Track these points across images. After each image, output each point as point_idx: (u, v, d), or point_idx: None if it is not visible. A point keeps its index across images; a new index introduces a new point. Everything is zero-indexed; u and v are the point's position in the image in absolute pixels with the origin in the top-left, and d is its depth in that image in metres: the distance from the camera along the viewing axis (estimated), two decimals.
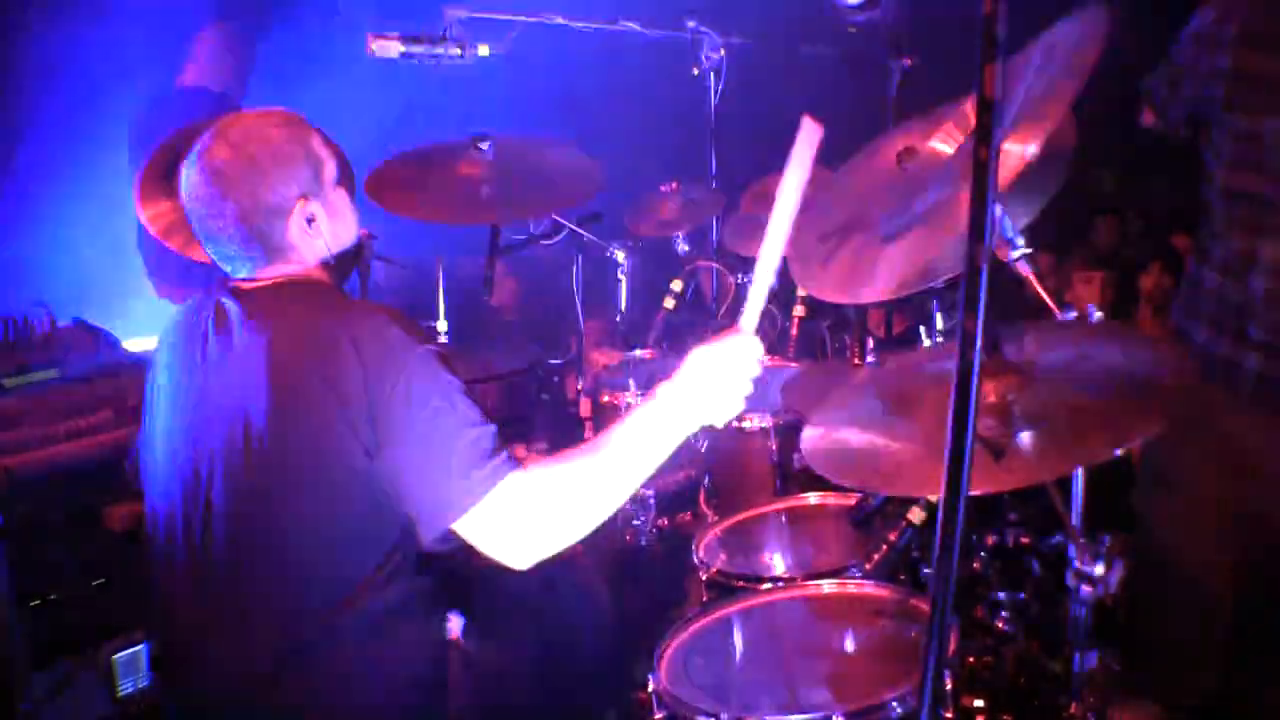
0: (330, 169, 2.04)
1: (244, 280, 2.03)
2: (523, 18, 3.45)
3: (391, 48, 3.25)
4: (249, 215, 1.95)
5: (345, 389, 1.82)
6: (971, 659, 2.31)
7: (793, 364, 3.51)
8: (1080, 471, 1.87)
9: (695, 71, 3.94)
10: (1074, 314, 2.01)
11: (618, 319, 4.03)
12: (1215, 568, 2.57)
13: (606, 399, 3.43)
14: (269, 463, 1.86)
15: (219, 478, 1.92)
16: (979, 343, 0.93)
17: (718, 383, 1.89)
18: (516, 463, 1.84)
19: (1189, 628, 2.62)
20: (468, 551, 2.72)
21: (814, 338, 3.75)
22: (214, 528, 1.92)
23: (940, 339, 2.85)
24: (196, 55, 4.32)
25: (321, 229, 2.02)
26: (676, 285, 3.91)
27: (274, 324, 1.92)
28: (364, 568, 1.89)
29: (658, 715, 1.95)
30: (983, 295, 0.92)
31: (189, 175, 1.97)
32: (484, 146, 3.22)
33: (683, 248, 4.05)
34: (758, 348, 1.90)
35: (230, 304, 2.00)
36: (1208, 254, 2.53)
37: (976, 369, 0.94)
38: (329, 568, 1.88)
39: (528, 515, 1.83)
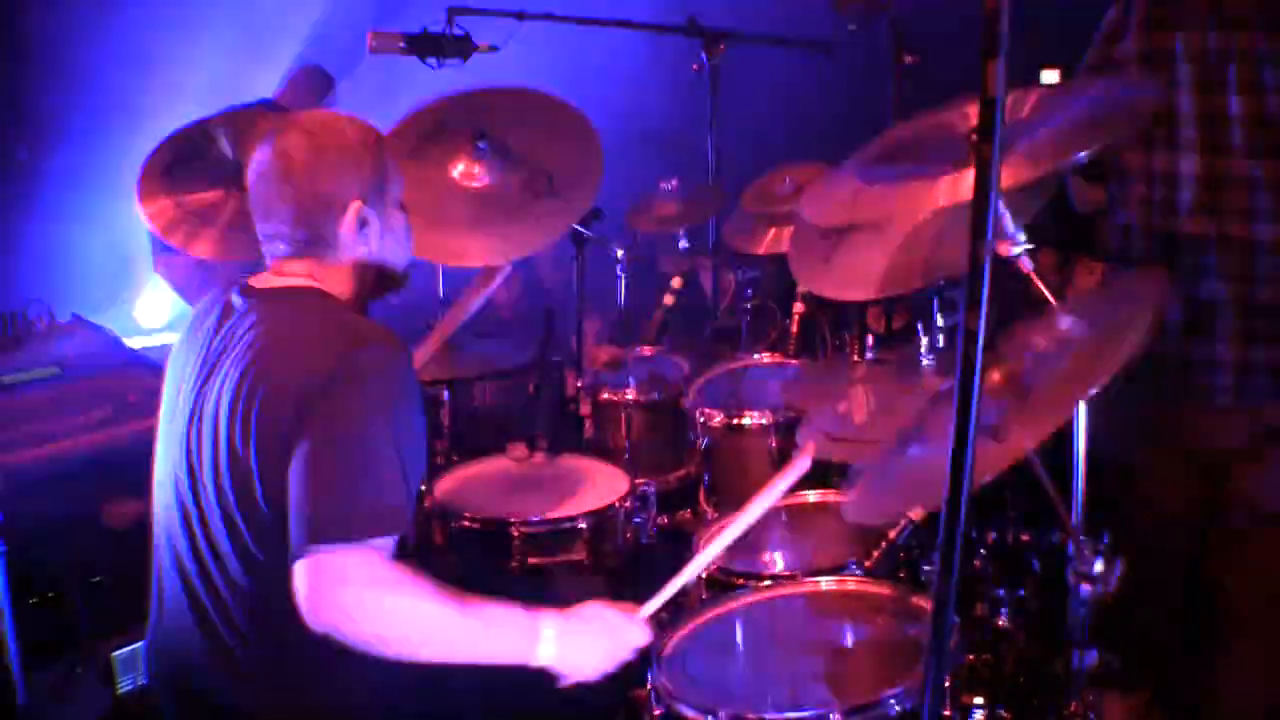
0: (396, 187, 2.07)
1: (263, 276, 2.03)
2: (524, 15, 3.45)
3: (393, 45, 3.24)
4: (304, 200, 1.97)
5: (299, 405, 1.79)
6: (971, 657, 2.31)
7: (792, 361, 3.51)
8: (1081, 469, 1.87)
9: (696, 68, 3.94)
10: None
11: (618, 316, 4.02)
12: (1178, 552, 2.58)
13: (606, 396, 3.43)
14: (235, 470, 1.86)
15: (201, 484, 1.93)
16: (981, 339, 0.93)
17: (594, 641, 1.91)
18: (392, 550, 1.76)
19: (1161, 615, 2.63)
20: (466, 554, 2.74)
21: (814, 334, 3.74)
22: (197, 533, 1.93)
23: (940, 336, 2.84)
24: (286, 92, 4.38)
25: (370, 237, 2.03)
26: (676, 282, 3.91)
27: (264, 332, 1.92)
28: None
29: (656, 712, 1.95)
30: (985, 292, 0.92)
31: (259, 154, 2.00)
32: (482, 144, 3.20)
33: (683, 245, 4.04)
34: (645, 638, 1.96)
35: (237, 305, 2.01)
36: (1124, 198, 2.54)
37: (979, 366, 0.94)
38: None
39: (361, 596, 1.71)
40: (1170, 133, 2.41)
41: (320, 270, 2.02)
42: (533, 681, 1.91)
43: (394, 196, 2.08)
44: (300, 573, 1.71)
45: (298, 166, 1.96)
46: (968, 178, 1.85)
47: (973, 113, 2.07)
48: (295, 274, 2.02)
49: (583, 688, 1.96)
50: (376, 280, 2.10)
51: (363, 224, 2.01)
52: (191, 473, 1.95)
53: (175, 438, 2.01)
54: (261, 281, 2.03)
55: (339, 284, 2.04)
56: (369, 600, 1.72)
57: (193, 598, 1.94)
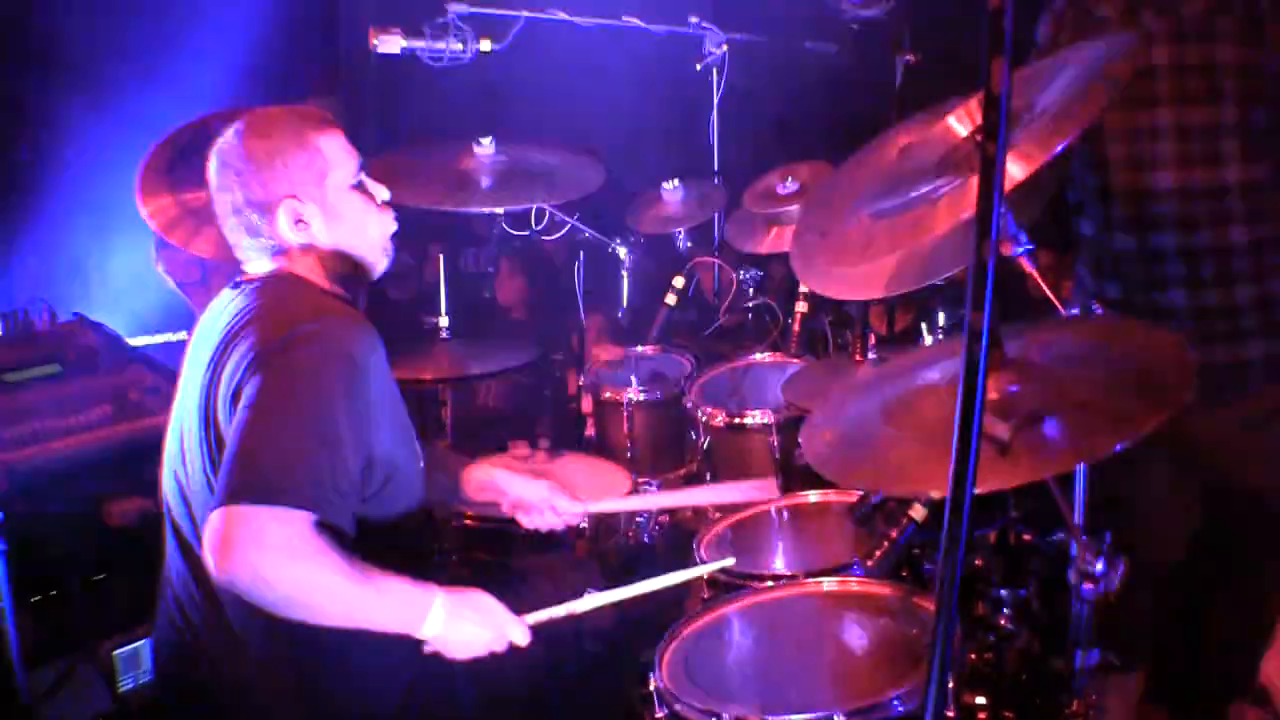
0: (340, 173, 2.04)
1: (246, 274, 2.07)
2: (525, 13, 3.45)
3: (394, 43, 3.24)
4: (240, 207, 1.99)
5: (243, 378, 1.80)
6: (973, 656, 2.31)
7: (794, 360, 3.50)
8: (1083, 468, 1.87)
9: (698, 67, 3.94)
10: (1076, 310, 2.00)
11: (620, 315, 4.02)
12: (1172, 538, 2.59)
13: (608, 395, 3.42)
14: (205, 460, 1.88)
15: (187, 479, 1.95)
16: (985, 338, 0.93)
17: (477, 628, 1.89)
18: (316, 514, 1.72)
19: (1158, 600, 2.64)
20: (465, 552, 2.74)
21: (815, 334, 3.74)
22: (192, 523, 1.95)
23: (942, 335, 2.84)
24: None
25: (313, 229, 2.02)
26: (678, 282, 3.91)
27: (239, 319, 1.94)
28: None
29: (659, 714, 1.94)
30: (990, 291, 0.91)
31: (209, 163, 2.02)
32: (485, 143, 3.21)
33: (685, 244, 4.04)
34: (524, 638, 1.94)
35: (228, 297, 2.04)
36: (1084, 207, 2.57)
37: (984, 364, 0.94)
38: None
39: (270, 558, 1.68)
40: (1150, 148, 2.42)
41: (286, 262, 2.04)
42: (535, 678, 1.91)
43: (337, 182, 2.04)
44: (213, 522, 1.67)
45: (230, 175, 1.98)
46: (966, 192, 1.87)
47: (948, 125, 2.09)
48: (265, 270, 2.05)
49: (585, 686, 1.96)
50: (344, 266, 2.08)
51: (298, 219, 2.00)
52: (184, 462, 1.97)
53: (173, 431, 2.04)
54: (249, 276, 2.07)
55: (310, 271, 2.05)
56: (275, 563, 1.68)
57: (192, 591, 1.95)
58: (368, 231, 2.10)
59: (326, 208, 2.03)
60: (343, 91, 4.55)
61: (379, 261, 2.14)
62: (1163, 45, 2.34)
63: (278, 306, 1.93)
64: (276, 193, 1.98)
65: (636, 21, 3.71)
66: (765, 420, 3.08)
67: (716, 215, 4.03)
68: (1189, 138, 2.35)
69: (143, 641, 2.84)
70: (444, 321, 3.49)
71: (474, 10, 3.34)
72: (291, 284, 2.02)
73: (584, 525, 2.71)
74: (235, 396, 1.79)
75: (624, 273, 3.86)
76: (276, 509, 1.68)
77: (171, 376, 2.13)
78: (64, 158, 4.42)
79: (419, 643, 1.88)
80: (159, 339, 4.21)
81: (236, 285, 2.06)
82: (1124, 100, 2.37)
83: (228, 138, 2.00)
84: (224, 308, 2.01)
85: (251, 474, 1.69)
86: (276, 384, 1.77)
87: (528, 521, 2.37)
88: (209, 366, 1.90)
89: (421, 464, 2.10)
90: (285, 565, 1.68)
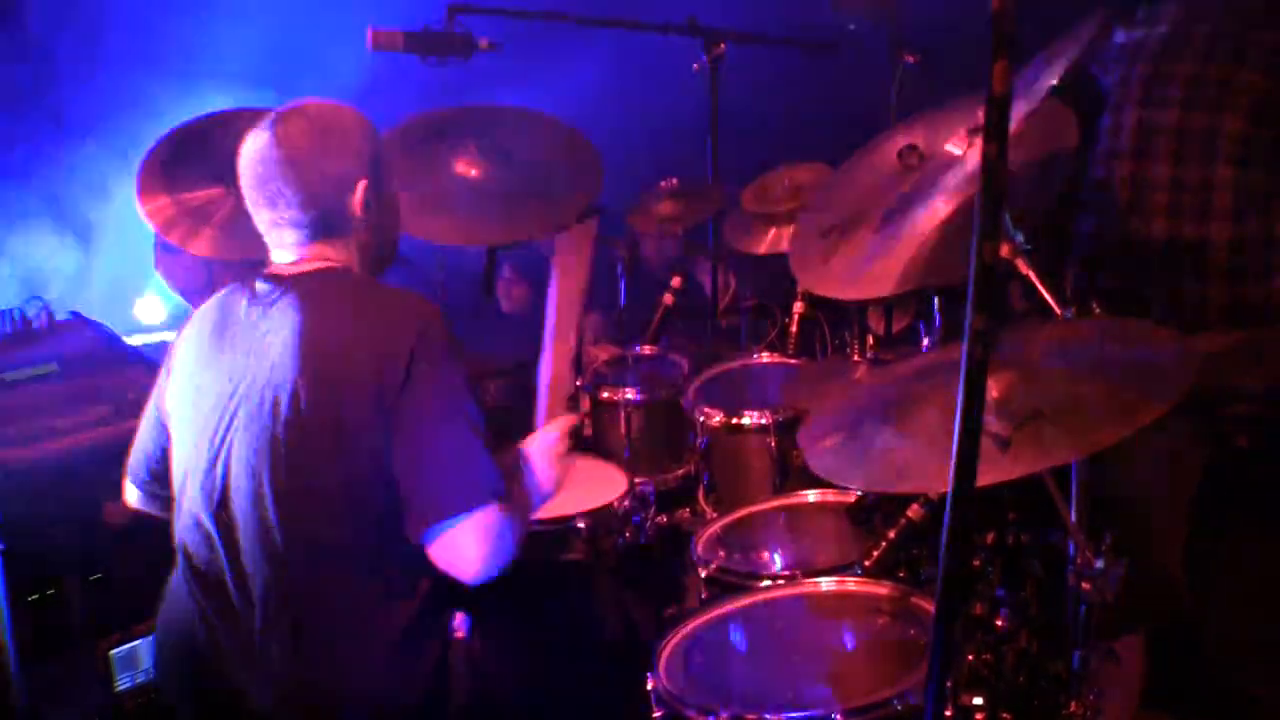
0: (387, 165, 2.11)
1: (284, 262, 2.05)
2: (525, 13, 3.45)
3: (393, 42, 3.24)
4: (315, 183, 1.99)
5: (383, 381, 1.87)
6: (971, 657, 2.31)
7: (792, 361, 3.50)
8: (1081, 469, 1.87)
9: (696, 67, 3.94)
10: (1072, 311, 2.00)
11: (617, 315, 4.02)
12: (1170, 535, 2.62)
13: (605, 395, 3.42)
14: (299, 449, 1.89)
15: (229, 470, 1.93)
16: (987, 339, 0.93)
17: (549, 458, 2.22)
18: (501, 491, 1.94)
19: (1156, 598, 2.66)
20: None
21: (813, 334, 3.74)
22: (224, 521, 1.93)
23: (940, 336, 2.83)
24: None
25: (374, 217, 2.06)
26: (676, 282, 3.91)
27: (316, 309, 1.94)
28: (381, 564, 1.91)
29: (657, 713, 1.95)
30: (991, 292, 0.91)
31: (256, 141, 2.01)
32: (484, 142, 3.20)
33: (683, 244, 4.04)
34: (557, 436, 2.27)
35: (268, 288, 2.01)
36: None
37: (985, 365, 0.94)
38: (344, 570, 1.90)
39: (495, 542, 1.91)
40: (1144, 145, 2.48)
41: (331, 251, 2.04)
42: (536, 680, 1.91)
43: (387, 172, 2.11)
44: (466, 537, 1.88)
45: (304, 151, 1.99)
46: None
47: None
48: (313, 258, 2.03)
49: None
50: (378, 254, 2.14)
51: (368, 203, 2.04)
52: (220, 461, 1.94)
53: (202, 427, 1.98)
54: (286, 269, 2.04)
55: (349, 261, 2.07)
56: (512, 545, 1.93)
57: (212, 588, 1.94)
58: (397, 229, 2.19)
59: (382, 199, 2.08)
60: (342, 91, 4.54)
61: (394, 257, 2.22)
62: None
63: (375, 306, 1.97)
64: (354, 172, 2.02)
65: (636, 22, 3.71)
66: (763, 421, 3.08)
67: (714, 216, 4.03)
68: (1202, 84, 2.43)
69: (140, 641, 2.84)
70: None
71: (474, 10, 3.34)
72: (358, 280, 2.05)
73: (582, 525, 2.71)
74: (385, 410, 1.87)
75: (622, 273, 3.86)
76: (489, 507, 1.90)
77: None
78: (63, 156, 4.42)
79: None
80: (157, 338, 4.21)
81: (276, 278, 2.02)
82: None
83: (290, 119, 2.01)
84: (277, 301, 1.98)
85: (468, 484, 1.90)
86: (444, 391, 1.92)
87: None
88: (298, 368, 1.90)
89: None
90: (516, 540, 1.94)
